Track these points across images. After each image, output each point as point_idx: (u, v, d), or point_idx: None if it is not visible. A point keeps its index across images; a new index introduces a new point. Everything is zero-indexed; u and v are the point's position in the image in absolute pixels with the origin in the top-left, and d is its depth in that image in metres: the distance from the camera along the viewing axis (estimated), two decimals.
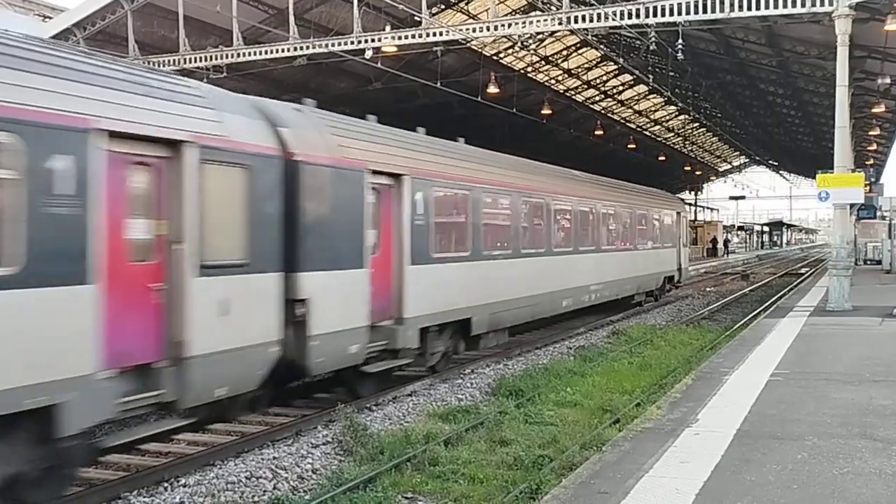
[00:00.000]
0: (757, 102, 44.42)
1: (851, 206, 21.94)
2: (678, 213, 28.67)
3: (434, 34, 21.59)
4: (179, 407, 7.99)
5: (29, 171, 6.37)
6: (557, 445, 8.94)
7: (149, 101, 7.73)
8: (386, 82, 28.45)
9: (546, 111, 35.95)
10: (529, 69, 35.80)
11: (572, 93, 40.80)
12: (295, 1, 22.13)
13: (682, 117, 51.47)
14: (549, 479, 7.48)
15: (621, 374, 13.37)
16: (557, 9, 21.45)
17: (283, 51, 22.34)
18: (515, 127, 36.13)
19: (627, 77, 39.56)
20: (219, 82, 19.10)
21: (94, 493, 7.40)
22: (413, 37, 21.23)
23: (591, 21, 19.76)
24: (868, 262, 38.72)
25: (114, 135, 7.15)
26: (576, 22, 19.98)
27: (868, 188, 30.65)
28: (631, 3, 18.98)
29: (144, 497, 7.49)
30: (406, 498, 7.58)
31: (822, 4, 17.40)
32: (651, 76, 32.97)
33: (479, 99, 28.53)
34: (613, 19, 19.22)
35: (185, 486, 7.78)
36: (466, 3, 29.04)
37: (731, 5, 18.10)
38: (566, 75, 38.18)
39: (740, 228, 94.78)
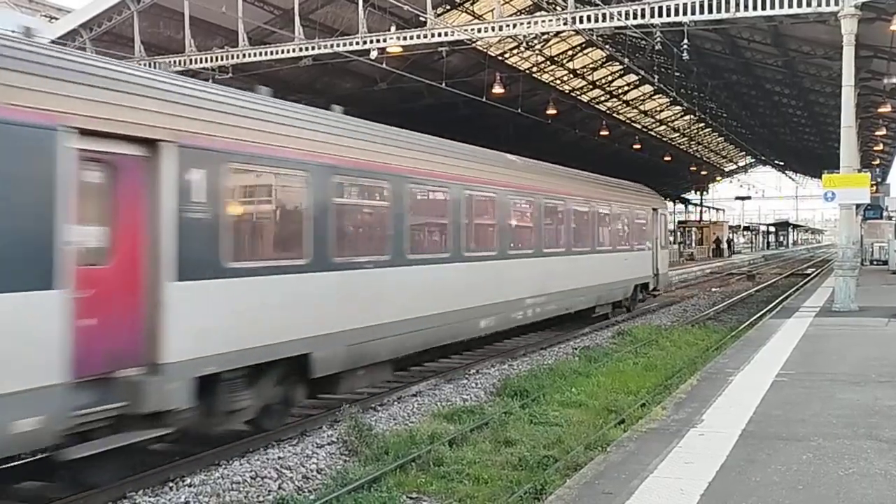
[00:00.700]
0: (763, 102, 44.32)
1: (857, 206, 21.87)
2: (655, 210, 24.44)
3: (439, 34, 21.59)
4: None
5: None
6: (562, 446, 8.94)
7: None
8: (391, 82, 28.46)
9: (551, 111, 35.91)
10: (534, 69, 35.78)
11: (577, 93, 40.78)
12: (300, 1, 22.17)
13: (687, 117, 51.36)
14: (553, 480, 7.48)
15: (626, 375, 13.35)
16: (562, 9, 21.45)
17: (288, 51, 22.38)
18: (520, 127, 36.12)
19: (633, 77, 39.50)
20: (225, 83, 19.14)
21: (100, 493, 7.41)
22: (418, 37, 21.24)
23: (597, 21, 19.75)
24: (874, 263, 38.61)
25: None
26: (581, 22, 19.97)
27: (874, 188, 30.43)
28: (636, 3, 18.96)
29: (150, 497, 7.51)
30: (411, 498, 7.58)
31: (827, 4, 17.36)
32: (656, 76, 32.92)
33: (484, 99, 28.53)
34: (619, 19, 19.21)
35: (190, 485, 7.80)
36: (471, 4, 29.04)
37: (737, 5, 18.07)
38: (571, 75, 38.16)
39: (746, 229, 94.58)
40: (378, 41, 21.58)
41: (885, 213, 40.58)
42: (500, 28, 21.14)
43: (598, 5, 20.07)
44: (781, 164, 78.42)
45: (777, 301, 25.21)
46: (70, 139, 6.69)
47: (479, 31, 22.00)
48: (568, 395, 11.63)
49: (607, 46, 32.63)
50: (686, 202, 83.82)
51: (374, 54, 21.79)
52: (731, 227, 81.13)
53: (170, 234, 7.59)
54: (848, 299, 17.88)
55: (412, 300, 11.68)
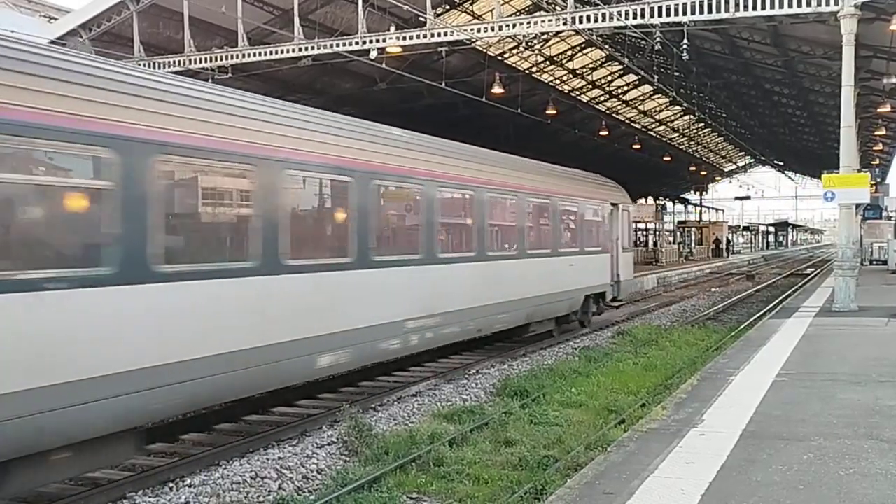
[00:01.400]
0: (762, 102, 44.33)
1: (857, 206, 21.92)
2: (615, 206, 20.29)
3: (439, 34, 21.57)
4: None
5: None
6: (562, 446, 8.94)
7: None
8: (391, 83, 28.45)
9: (551, 111, 35.89)
10: (534, 69, 35.76)
11: (577, 93, 40.76)
12: (300, 2, 22.16)
13: (687, 117, 51.35)
14: (554, 480, 7.48)
15: (626, 375, 13.35)
16: (562, 9, 21.45)
17: (288, 51, 22.37)
18: (520, 127, 36.12)
19: (632, 77, 39.48)
20: (224, 83, 19.15)
21: (100, 493, 7.41)
22: (418, 37, 21.23)
23: (596, 21, 19.74)
24: (874, 263, 38.66)
25: None
26: (580, 22, 19.96)
27: (874, 188, 30.52)
28: (636, 3, 18.95)
29: (150, 497, 7.51)
30: (411, 498, 7.58)
31: (827, 4, 17.36)
32: (656, 76, 32.89)
33: (483, 99, 28.52)
34: (618, 19, 19.20)
35: (190, 486, 7.80)
36: (471, 4, 29.03)
37: (737, 5, 18.07)
38: (571, 75, 38.14)
39: (745, 229, 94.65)
40: (377, 41, 21.56)
41: (884, 213, 40.67)
42: (500, 28, 21.13)
43: (597, 5, 20.06)
44: (781, 164, 78.42)
45: (777, 301, 25.23)
46: None
47: (479, 31, 21.98)
48: (568, 395, 11.64)
49: (607, 46, 32.62)
50: (685, 202, 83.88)
51: (373, 54, 21.77)
52: (730, 227, 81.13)
53: None
54: (848, 299, 17.89)
55: (170, 338, 7.46)
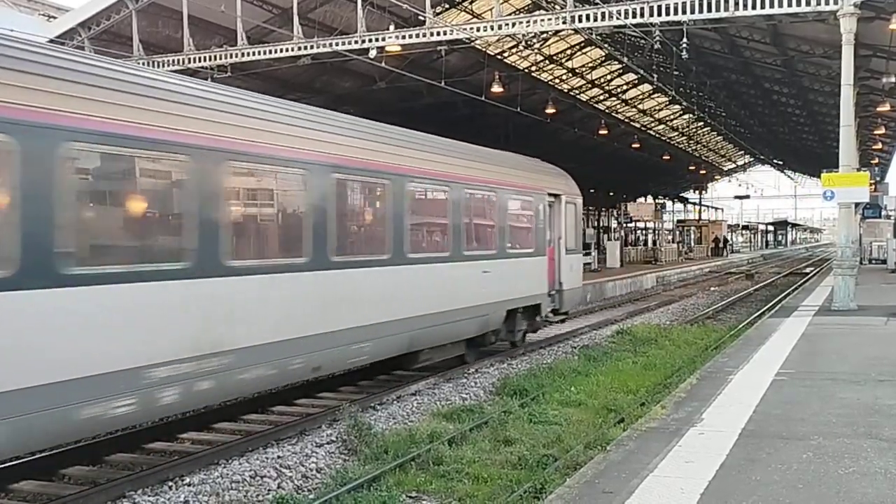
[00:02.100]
0: (762, 101, 44.34)
1: (856, 205, 21.92)
2: (556, 197, 16.47)
3: (438, 33, 21.56)
4: None
5: None
6: (562, 445, 8.94)
7: None
8: (390, 82, 28.44)
9: (550, 110, 35.89)
10: (533, 68, 35.76)
11: (576, 92, 40.75)
12: (299, 1, 22.15)
13: (686, 116, 51.35)
14: (553, 479, 7.48)
15: (626, 374, 13.35)
16: (561, 8, 21.43)
17: (287, 50, 22.35)
18: (520, 126, 36.11)
19: (632, 76, 39.48)
20: (224, 82, 19.13)
21: (99, 492, 7.41)
22: (417, 36, 21.22)
23: (595, 20, 19.73)
24: (873, 262, 38.68)
25: None
26: (580, 21, 19.95)
27: (873, 187, 30.57)
28: (635, 2, 18.94)
29: (149, 496, 7.50)
30: (410, 497, 7.58)
31: (826, 3, 17.36)
32: (655, 75, 32.89)
33: (483, 98, 28.52)
34: (618, 18, 19.19)
35: (189, 484, 7.80)
36: (470, 3, 29.01)
37: (736, 4, 18.07)
38: (570, 74, 38.12)
39: (745, 228, 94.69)
40: (377, 40, 21.55)
41: (883, 212, 40.71)
42: (499, 27, 21.12)
43: (597, 4, 20.05)
44: (780, 163, 78.42)
45: (776, 300, 25.23)
46: None
47: (478, 30, 21.98)
48: (567, 395, 11.64)
49: (606, 45, 32.61)
50: (685, 201, 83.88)
51: (373, 53, 21.76)
52: (729, 227, 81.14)
53: None
54: (847, 298, 17.90)
55: None
